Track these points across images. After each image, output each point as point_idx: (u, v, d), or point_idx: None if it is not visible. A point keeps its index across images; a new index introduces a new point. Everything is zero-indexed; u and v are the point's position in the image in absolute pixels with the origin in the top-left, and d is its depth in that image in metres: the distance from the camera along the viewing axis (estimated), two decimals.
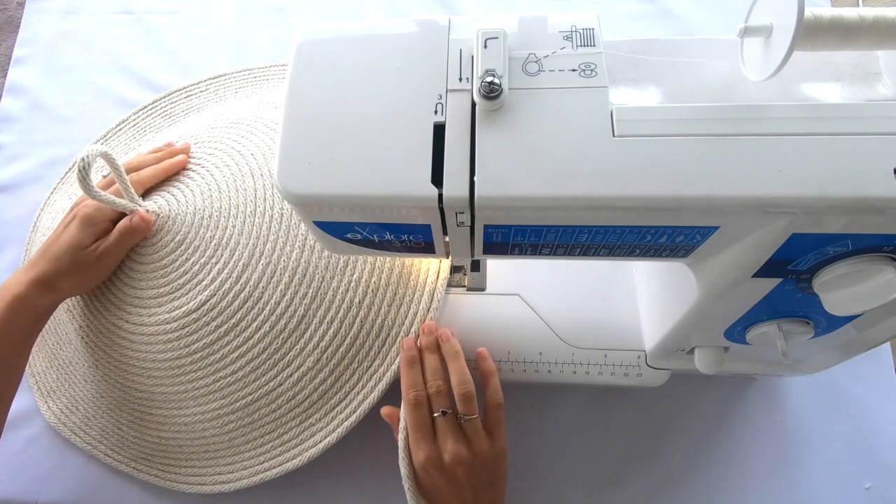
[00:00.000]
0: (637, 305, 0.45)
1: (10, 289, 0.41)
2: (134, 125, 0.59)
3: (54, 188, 0.58)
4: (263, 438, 0.43)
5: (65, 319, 0.48)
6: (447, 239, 0.28)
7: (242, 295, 0.41)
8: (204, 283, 0.42)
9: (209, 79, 0.61)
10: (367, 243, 0.29)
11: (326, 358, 0.42)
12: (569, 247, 0.28)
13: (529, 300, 0.45)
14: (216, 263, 0.42)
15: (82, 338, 0.47)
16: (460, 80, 0.26)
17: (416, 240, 0.28)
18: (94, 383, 0.47)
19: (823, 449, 0.46)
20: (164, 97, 0.60)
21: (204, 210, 0.43)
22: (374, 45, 0.27)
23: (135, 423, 0.46)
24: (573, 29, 0.26)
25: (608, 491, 0.45)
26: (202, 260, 0.42)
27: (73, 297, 0.47)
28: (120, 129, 0.59)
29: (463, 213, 0.25)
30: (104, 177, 0.46)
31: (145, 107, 0.60)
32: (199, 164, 0.46)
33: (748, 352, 0.38)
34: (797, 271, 0.27)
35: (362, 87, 0.26)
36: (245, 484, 0.43)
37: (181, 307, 0.42)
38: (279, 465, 0.43)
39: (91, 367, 0.47)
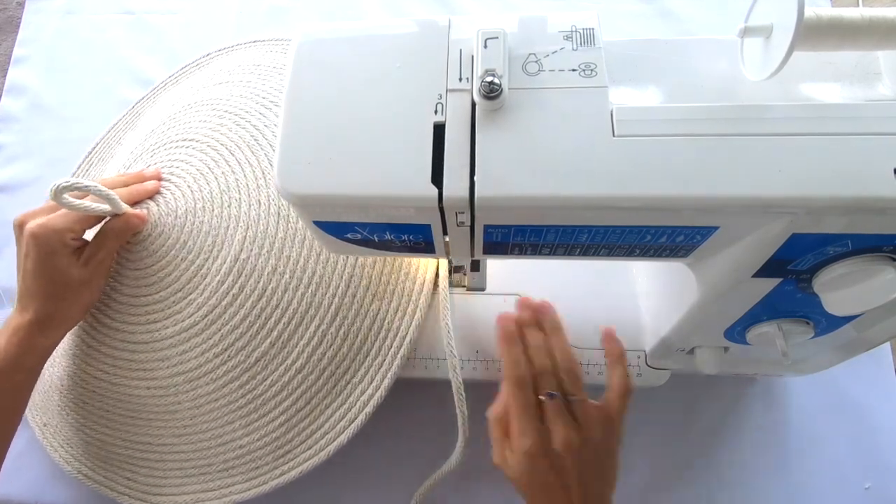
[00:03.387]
0: (637, 306, 0.45)
1: (15, 333, 0.39)
2: (91, 165, 0.59)
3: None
4: (361, 357, 0.42)
5: (93, 411, 0.46)
6: (447, 239, 0.28)
7: (270, 226, 0.41)
8: (229, 232, 0.42)
9: (145, 97, 0.61)
10: (367, 243, 0.29)
11: None
12: (569, 247, 0.28)
13: None
14: (229, 213, 0.42)
15: (125, 410, 0.44)
16: (460, 79, 0.26)
17: (416, 240, 0.29)
18: (171, 433, 0.44)
19: (823, 449, 0.46)
20: (107, 133, 0.60)
21: (189, 182, 0.44)
22: (374, 45, 0.27)
23: (247, 425, 0.42)
24: (573, 29, 0.26)
25: None
26: (213, 221, 0.42)
27: (101, 409, 0.45)
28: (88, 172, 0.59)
29: (463, 213, 0.25)
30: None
31: (97, 144, 0.59)
32: (168, 162, 0.46)
33: (748, 352, 0.38)
34: (797, 271, 0.27)
35: (362, 87, 0.26)
36: (370, 408, 0.40)
37: (221, 267, 0.41)
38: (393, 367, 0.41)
39: (158, 416, 0.44)
